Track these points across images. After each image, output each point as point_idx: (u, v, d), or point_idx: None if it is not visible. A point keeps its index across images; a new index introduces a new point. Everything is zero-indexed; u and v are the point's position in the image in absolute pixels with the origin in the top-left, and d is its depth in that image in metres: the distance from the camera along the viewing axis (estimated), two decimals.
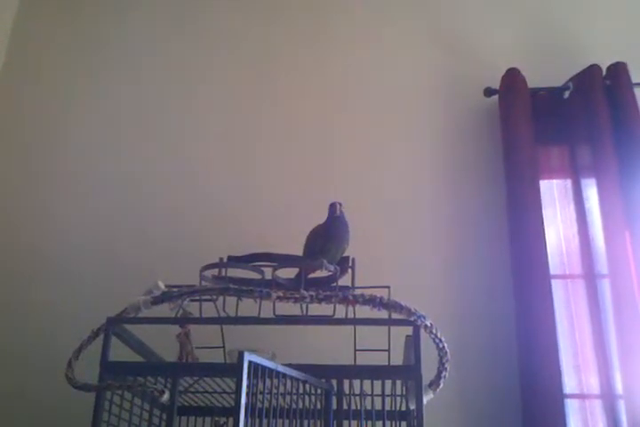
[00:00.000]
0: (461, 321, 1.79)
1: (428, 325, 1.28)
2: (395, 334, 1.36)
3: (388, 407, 1.34)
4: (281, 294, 1.29)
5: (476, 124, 2.07)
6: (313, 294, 1.30)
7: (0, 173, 2.13)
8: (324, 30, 2.25)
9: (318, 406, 1.28)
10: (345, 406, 1.31)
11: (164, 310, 1.37)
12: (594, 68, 1.94)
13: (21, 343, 1.86)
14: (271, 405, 1.15)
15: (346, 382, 1.30)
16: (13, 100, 2.24)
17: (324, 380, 1.27)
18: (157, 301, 1.33)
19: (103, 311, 1.34)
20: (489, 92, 2.03)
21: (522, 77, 1.98)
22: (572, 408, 1.67)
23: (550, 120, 1.97)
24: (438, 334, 1.28)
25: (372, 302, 1.27)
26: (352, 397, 1.39)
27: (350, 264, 1.49)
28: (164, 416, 1.48)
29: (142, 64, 2.25)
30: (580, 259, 1.81)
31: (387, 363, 1.37)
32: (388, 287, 1.38)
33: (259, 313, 1.34)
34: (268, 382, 1.14)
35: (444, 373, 1.28)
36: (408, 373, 1.28)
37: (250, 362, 1.09)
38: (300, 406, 1.22)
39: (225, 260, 1.51)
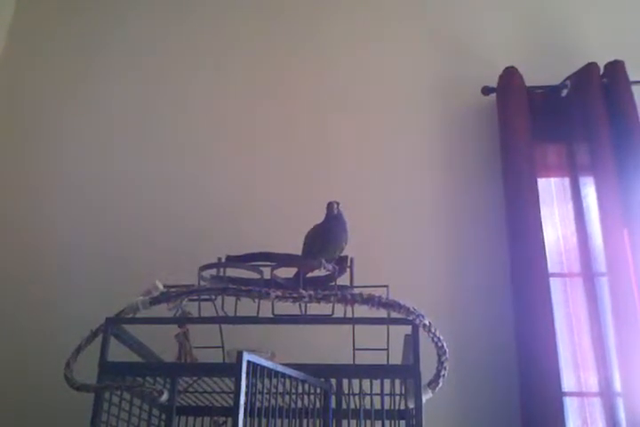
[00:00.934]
0: (460, 320, 1.79)
1: (427, 324, 1.28)
2: (393, 334, 1.36)
3: (387, 407, 1.35)
4: (279, 293, 1.29)
5: (474, 123, 2.07)
6: (312, 293, 1.30)
7: (1, 174, 2.13)
8: (322, 29, 2.25)
9: (317, 405, 1.28)
10: (344, 406, 1.31)
11: (163, 310, 1.37)
12: (591, 67, 1.94)
13: (20, 344, 1.86)
14: (270, 404, 1.15)
15: (345, 382, 1.30)
16: (12, 99, 2.24)
17: (322, 379, 1.27)
18: (156, 301, 1.33)
19: (102, 312, 1.34)
20: (487, 90, 2.03)
21: (519, 76, 1.99)
22: (570, 406, 1.67)
23: (548, 118, 1.97)
24: (437, 333, 1.28)
25: (370, 301, 1.27)
26: (351, 396, 1.39)
27: (349, 264, 1.49)
28: (163, 416, 1.48)
29: (141, 64, 2.25)
30: (579, 257, 1.81)
31: (386, 362, 1.38)
32: (387, 286, 1.38)
33: (257, 313, 1.34)
34: (266, 381, 1.14)
35: (442, 372, 1.28)
36: (407, 372, 1.28)
37: (249, 362, 1.09)
38: (299, 405, 1.23)
39: (223, 259, 1.51)
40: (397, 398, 1.36)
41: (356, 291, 1.33)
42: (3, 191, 2.10)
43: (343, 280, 1.47)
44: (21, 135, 2.19)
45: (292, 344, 1.58)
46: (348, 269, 1.49)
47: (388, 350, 1.38)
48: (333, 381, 1.29)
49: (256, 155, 2.08)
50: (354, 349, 1.41)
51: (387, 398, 1.32)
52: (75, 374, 1.27)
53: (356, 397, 1.37)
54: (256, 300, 1.33)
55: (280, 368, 1.16)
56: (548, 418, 1.58)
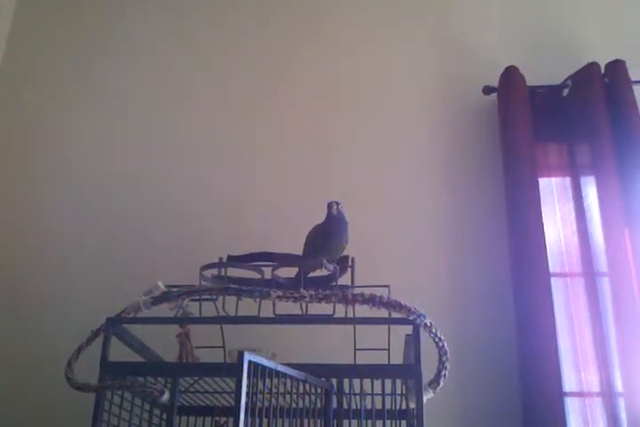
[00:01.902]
0: (461, 320, 1.79)
1: (428, 324, 1.28)
2: (394, 333, 1.36)
3: (387, 406, 1.34)
4: (280, 293, 1.29)
5: (475, 123, 2.07)
6: (313, 293, 1.30)
7: (1, 174, 2.13)
8: (322, 29, 2.25)
9: (318, 405, 1.28)
10: (345, 406, 1.31)
11: (164, 309, 1.37)
12: (592, 66, 1.94)
13: (21, 343, 1.86)
14: (271, 404, 1.15)
15: (346, 382, 1.30)
16: (12, 99, 2.24)
17: (323, 379, 1.27)
18: (157, 301, 1.33)
19: (103, 311, 1.35)
20: (488, 90, 2.02)
21: (520, 75, 1.98)
22: (571, 406, 1.67)
23: (549, 118, 1.97)
24: (438, 333, 1.28)
25: (371, 301, 1.27)
26: (352, 396, 1.39)
27: (350, 263, 1.49)
28: (164, 416, 1.48)
29: (141, 64, 2.25)
30: (580, 257, 1.81)
31: (387, 362, 1.38)
32: (388, 286, 1.38)
33: (258, 313, 1.35)
34: (268, 381, 1.14)
35: (443, 372, 1.28)
36: (408, 372, 1.28)
37: (250, 362, 1.09)
38: (300, 405, 1.22)
39: (224, 259, 1.51)
40: (398, 398, 1.36)
41: (357, 291, 1.33)
42: (2, 191, 2.10)
43: (344, 280, 1.47)
44: (22, 135, 2.19)
45: (293, 344, 1.58)
46: (349, 269, 1.49)
47: (388, 349, 1.39)
48: (334, 381, 1.28)
49: (256, 154, 2.08)
50: (355, 349, 1.42)
51: (388, 398, 1.32)
52: (76, 374, 1.27)
53: (357, 397, 1.37)
54: (257, 300, 1.33)
55: (281, 368, 1.16)
56: (549, 418, 1.57)
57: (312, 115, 2.13)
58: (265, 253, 1.52)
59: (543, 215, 1.81)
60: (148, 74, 2.23)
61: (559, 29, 2.16)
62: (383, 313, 1.30)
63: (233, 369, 1.10)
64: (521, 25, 2.19)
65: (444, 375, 1.28)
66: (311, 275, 1.52)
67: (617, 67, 1.94)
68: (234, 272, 1.47)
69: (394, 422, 1.35)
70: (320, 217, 1.53)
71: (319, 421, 1.26)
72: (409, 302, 1.29)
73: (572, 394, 1.69)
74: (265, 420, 1.14)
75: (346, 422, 1.31)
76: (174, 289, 1.35)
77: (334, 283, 1.46)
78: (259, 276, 1.46)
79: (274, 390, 1.16)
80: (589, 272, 1.77)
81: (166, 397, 1.26)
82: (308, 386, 1.23)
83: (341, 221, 1.51)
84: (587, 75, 1.93)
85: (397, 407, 1.36)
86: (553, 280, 1.75)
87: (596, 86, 1.90)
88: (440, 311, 1.66)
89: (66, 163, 2.12)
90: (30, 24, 2.35)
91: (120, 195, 2.05)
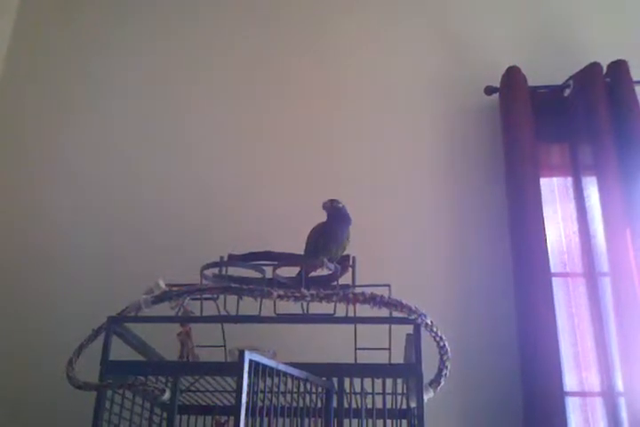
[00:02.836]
0: (462, 319, 1.79)
1: (429, 323, 1.28)
2: (395, 333, 1.36)
3: (388, 406, 1.34)
4: (282, 292, 1.29)
5: (477, 123, 2.07)
6: (314, 292, 1.30)
7: (1, 174, 2.13)
8: (323, 30, 2.25)
9: (319, 404, 1.28)
10: (346, 405, 1.31)
11: (165, 308, 1.37)
12: (594, 66, 1.94)
13: (22, 342, 1.87)
14: (272, 403, 1.15)
15: (347, 381, 1.30)
16: (14, 99, 2.24)
17: (324, 378, 1.27)
18: (158, 300, 1.33)
19: (104, 310, 1.35)
20: (489, 90, 2.02)
21: (522, 75, 1.98)
22: (572, 406, 1.67)
23: (551, 118, 1.97)
24: (439, 333, 1.28)
25: (372, 300, 1.27)
26: (353, 395, 1.39)
27: (351, 263, 1.49)
28: (165, 415, 1.48)
29: (142, 64, 2.25)
30: (581, 257, 1.81)
31: (387, 361, 1.38)
32: (389, 286, 1.38)
33: (259, 312, 1.35)
34: (268, 380, 1.14)
35: (444, 371, 1.28)
36: (409, 371, 1.28)
37: (251, 361, 1.09)
38: (301, 404, 1.23)
39: (225, 258, 1.51)
40: (399, 397, 1.36)
41: (358, 290, 1.33)
42: (3, 190, 2.10)
43: (345, 279, 1.47)
44: (22, 135, 2.19)
45: (294, 343, 1.58)
46: (350, 269, 1.49)
47: (389, 349, 1.39)
48: (335, 380, 1.28)
49: (257, 154, 2.08)
50: (356, 348, 1.42)
51: (388, 398, 1.32)
52: (77, 373, 1.27)
53: (358, 396, 1.37)
54: (258, 299, 1.33)
55: (282, 367, 1.17)
56: (550, 418, 1.57)
57: (313, 115, 2.13)
58: (266, 253, 1.52)
59: (544, 215, 1.81)
60: (148, 74, 2.24)
61: (561, 29, 2.16)
62: (384, 312, 1.30)
63: (234, 368, 1.10)
64: (523, 25, 2.19)
65: (445, 375, 1.28)
66: (312, 274, 1.52)
67: (619, 67, 1.94)
68: (235, 271, 1.47)
69: (395, 421, 1.35)
70: (321, 216, 1.53)
71: (320, 420, 1.26)
72: (410, 301, 1.29)
73: (573, 394, 1.69)
74: (266, 419, 1.14)
75: (346, 421, 1.31)
76: (175, 288, 1.35)
77: (335, 282, 1.46)
78: (260, 275, 1.46)
79: (274, 389, 1.16)
80: (591, 272, 1.77)
81: (167, 396, 1.26)
82: (308, 385, 1.24)
83: (342, 219, 1.51)
84: (588, 75, 1.93)
85: (398, 407, 1.36)
86: (554, 280, 1.75)
87: (598, 86, 1.90)
88: (441, 311, 1.66)
89: (66, 163, 2.12)
90: (32, 24, 2.35)
91: (121, 194, 2.05)
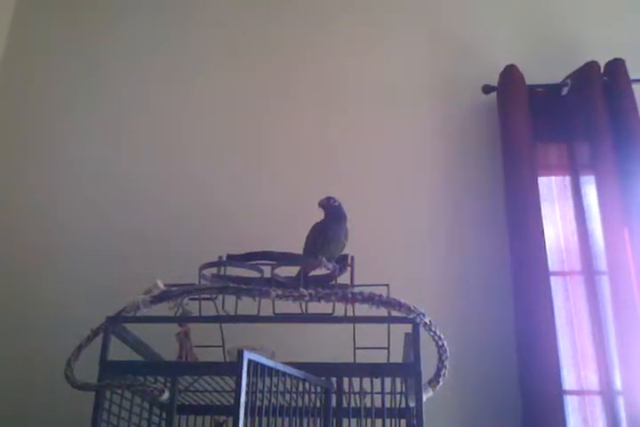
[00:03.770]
0: (461, 318, 1.79)
1: (428, 322, 1.28)
2: (394, 332, 1.36)
3: (387, 405, 1.34)
4: (280, 292, 1.29)
5: (475, 122, 2.07)
6: (312, 292, 1.30)
7: (1, 174, 2.13)
8: (323, 30, 2.24)
9: (318, 404, 1.28)
10: (344, 404, 1.31)
11: (164, 309, 1.37)
12: (592, 65, 1.94)
13: (20, 343, 1.86)
14: (271, 403, 1.15)
15: (345, 380, 1.30)
16: (13, 99, 2.24)
17: (323, 378, 1.27)
18: (157, 300, 1.33)
19: (102, 310, 1.34)
20: (487, 89, 2.02)
21: (520, 74, 1.98)
22: (571, 405, 1.67)
23: (548, 117, 1.96)
24: (437, 332, 1.28)
25: (371, 299, 1.27)
26: (352, 395, 1.39)
27: (349, 262, 1.49)
28: (164, 415, 1.48)
29: (142, 64, 2.25)
30: (579, 256, 1.81)
31: (386, 361, 1.38)
32: (387, 285, 1.38)
33: (258, 311, 1.35)
34: (267, 380, 1.14)
35: (443, 370, 1.28)
36: (407, 370, 1.28)
37: (249, 360, 1.09)
38: (300, 404, 1.23)
39: (224, 258, 1.51)
40: (398, 396, 1.36)
41: (357, 290, 1.33)
42: (3, 191, 2.10)
43: (344, 279, 1.47)
44: (22, 135, 2.18)
45: (293, 343, 1.58)
46: (349, 268, 1.49)
47: (388, 348, 1.39)
48: (334, 379, 1.28)
49: (257, 154, 2.08)
50: (354, 347, 1.42)
51: (387, 397, 1.32)
52: (75, 373, 1.27)
53: (357, 395, 1.37)
54: (256, 299, 1.33)
55: (281, 367, 1.17)
56: (549, 417, 1.58)
57: (312, 115, 2.12)
58: (264, 253, 1.52)
59: (543, 214, 1.81)
60: (148, 75, 2.23)
61: (559, 28, 2.16)
62: (383, 312, 1.30)
63: (232, 368, 1.10)
64: (520, 24, 2.19)
65: (444, 374, 1.28)
66: (311, 274, 1.52)
67: (616, 66, 1.94)
68: (233, 271, 1.47)
69: (393, 420, 1.35)
70: (320, 216, 1.53)
71: (319, 420, 1.26)
72: (408, 300, 1.29)
73: (572, 392, 1.69)
74: (264, 419, 1.14)
75: (345, 420, 1.31)
76: (174, 288, 1.35)
77: (334, 282, 1.46)
78: (258, 275, 1.46)
79: (273, 388, 1.16)
80: (589, 271, 1.77)
81: (166, 396, 1.26)
82: (307, 385, 1.24)
83: (339, 216, 1.51)
84: (586, 74, 1.93)
85: (397, 406, 1.36)
86: (552, 279, 1.75)
87: (596, 85, 1.90)
88: (439, 310, 1.66)
89: (66, 163, 2.12)
90: (32, 23, 2.35)
91: (120, 194, 2.05)
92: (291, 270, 1.51)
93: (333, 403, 1.28)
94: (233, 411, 1.05)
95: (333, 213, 1.51)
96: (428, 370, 1.27)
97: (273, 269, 1.44)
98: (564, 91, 1.98)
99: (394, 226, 1.94)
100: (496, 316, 1.78)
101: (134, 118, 2.17)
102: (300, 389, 1.22)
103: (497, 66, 2.01)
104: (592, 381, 1.69)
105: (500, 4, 2.22)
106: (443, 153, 2.04)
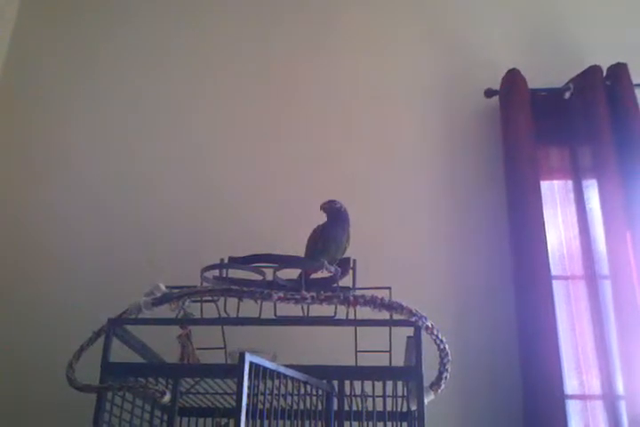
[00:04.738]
0: (463, 322, 1.79)
1: (429, 326, 1.28)
2: (396, 335, 1.36)
3: (389, 408, 1.34)
4: (282, 294, 1.29)
5: (477, 125, 2.07)
6: (314, 294, 1.30)
7: (2, 173, 2.13)
8: (324, 31, 2.25)
9: (319, 407, 1.28)
10: (346, 408, 1.31)
11: (165, 311, 1.37)
12: (594, 69, 1.94)
13: (22, 344, 1.86)
14: (272, 406, 1.15)
15: (347, 383, 1.29)
16: (14, 99, 2.24)
17: (325, 381, 1.27)
18: (158, 302, 1.33)
19: (104, 312, 1.34)
20: (489, 92, 2.02)
21: (522, 78, 1.98)
22: (573, 409, 1.67)
23: (551, 121, 1.97)
24: (439, 335, 1.28)
25: (373, 302, 1.27)
26: (353, 398, 1.39)
27: (351, 265, 1.49)
28: (165, 417, 1.48)
29: (144, 65, 2.25)
30: (581, 260, 1.80)
31: (388, 364, 1.38)
32: (389, 288, 1.38)
33: (260, 314, 1.35)
34: (269, 382, 1.14)
35: (445, 374, 1.28)
36: (409, 374, 1.28)
37: (251, 363, 1.09)
38: (301, 407, 1.22)
39: (226, 261, 1.51)
40: (399, 400, 1.36)
41: (359, 293, 1.33)
42: (6, 190, 2.10)
43: (345, 282, 1.47)
44: (24, 135, 2.19)
45: (295, 346, 1.58)
46: (351, 271, 1.49)
47: (390, 351, 1.39)
48: (335, 382, 1.28)
49: (259, 155, 2.08)
50: (356, 350, 1.42)
51: (389, 400, 1.32)
52: (77, 375, 1.27)
53: (358, 398, 1.37)
54: (258, 301, 1.33)
55: (282, 370, 1.16)
56: (551, 421, 1.57)
57: (314, 116, 2.13)
58: (266, 255, 1.52)
59: (545, 218, 1.80)
60: (150, 74, 2.23)
61: (561, 32, 2.16)
62: (384, 315, 1.30)
63: (234, 370, 1.10)
64: (523, 28, 2.19)
65: (446, 378, 1.28)
66: (312, 276, 1.52)
67: (619, 70, 1.94)
68: (235, 273, 1.47)
69: (395, 424, 1.34)
70: (322, 218, 1.53)
71: (320, 423, 1.26)
72: (410, 303, 1.29)
73: (574, 397, 1.69)
74: (266, 421, 1.13)
75: (347, 423, 1.31)
76: (175, 290, 1.35)
77: (336, 285, 1.46)
78: (260, 277, 1.46)
79: (275, 391, 1.15)
80: (591, 275, 1.76)
81: (167, 398, 1.26)
82: (309, 388, 1.23)
83: (342, 219, 1.51)
84: (589, 78, 1.93)
85: (399, 409, 1.36)
86: (554, 283, 1.74)
87: (598, 89, 1.90)
88: (441, 313, 1.66)
89: (68, 163, 2.12)
90: (33, 23, 2.35)
91: (122, 195, 2.05)
92: (293, 273, 1.51)
93: (335, 406, 1.28)
94: (234, 413, 1.05)
95: (334, 216, 1.52)
96: (429, 373, 1.27)
97: (275, 271, 1.44)
98: (567, 95, 1.98)
99: (396, 229, 1.94)
100: (498, 320, 1.78)
101: (135, 118, 2.17)
102: (302, 392, 1.22)
103: (499, 70, 2.01)
104: (594, 385, 1.69)
105: (503, 7, 2.23)
106: (445, 157, 2.04)
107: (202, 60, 2.24)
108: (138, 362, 1.42)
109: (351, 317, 1.33)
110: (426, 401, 1.25)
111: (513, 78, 1.98)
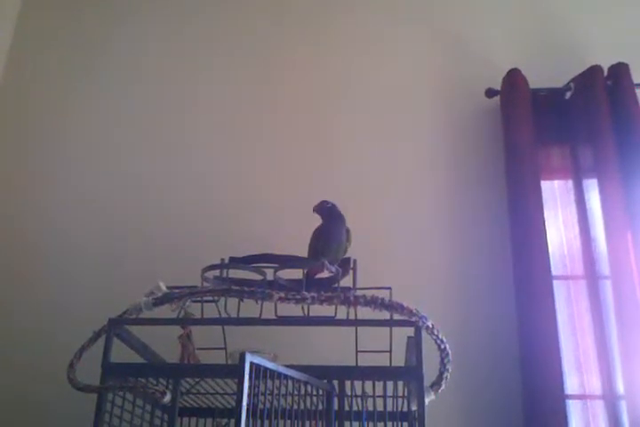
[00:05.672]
0: (463, 322, 1.79)
1: (430, 326, 1.28)
2: (396, 335, 1.36)
3: (389, 409, 1.34)
4: (282, 295, 1.29)
5: (478, 125, 2.07)
6: (314, 295, 1.30)
7: (1, 174, 2.13)
8: (324, 30, 2.25)
9: (320, 407, 1.28)
10: (347, 408, 1.31)
11: (166, 311, 1.36)
12: (595, 69, 1.94)
13: (23, 345, 1.86)
14: (272, 406, 1.15)
15: (347, 384, 1.30)
16: (15, 99, 2.24)
17: (325, 381, 1.27)
18: (159, 302, 1.33)
19: (105, 312, 1.34)
20: (490, 92, 2.02)
21: (523, 78, 1.98)
22: (573, 409, 1.67)
23: (552, 121, 1.97)
24: (440, 335, 1.28)
25: (373, 303, 1.27)
26: (354, 398, 1.39)
27: (352, 265, 1.49)
28: (166, 417, 1.48)
29: (143, 64, 2.25)
30: (582, 260, 1.81)
31: (388, 364, 1.38)
32: (390, 288, 1.38)
33: (260, 314, 1.35)
34: (269, 383, 1.14)
35: (445, 374, 1.28)
36: (410, 374, 1.28)
37: (251, 363, 1.09)
38: (302, 407, 1.22)
39: (226, 261, 1.51)
40: (400, 400, 1.36)
41: (359, 293, 1.33)
42: (4, 190, 2.10)
43: (346, 282, 1.47)
44: (23, 135, 2.19)
45: (295, 346, 1.58)
46: (351, 271, 1.49)
47: (390, 351, 1.38)
48: (336, 382, 1.28)
49: (258, 155, 2.08)
50: (356, 350, 1.42)
51: (389, 400, 1.32)
52: (77, 375, 1.27)
53: (359, 399, 1.37)
54: (259, 301, 1.33)
55: (283, 370, 1.16)
56: (551, 421, 1.57)
57: (314, 115, 2.13)
58: (267, 255, 1.52)
59: (545, 218, 1.80)
60: (149, 74, 2.24)
61: (562, 32, 2.16)
62: (385, 315, 1.30)
63: (234, 371, 1.10)
64: (524, 28, 2.19)
65: (446, 378, 1.28)
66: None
67: (620, 70, 1.94)
68: (236, 274, 1.47)
69: (395, 424, 1.34)
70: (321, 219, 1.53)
71: (320, 423, 1.26)
72: (411, 304, 1.29)
73: (574, 397, 1.69)
74: (266, 422, 1.13)
75: (347, 424, 1.31)
76: (176, 290, 1.35)
77: (336, 285, 1.46)
78: (261, 277, 1.46)
79: (275, 391, 1.15)
80: (591, 275, 1.76)
81: (168, 398, 1.26)
82: (309, 388, 1.23)
83: (336, 218, 1.51)
84: (589, 78, 1.93)
85: (399, 409, 1.36)
86: (555, 283, 1.74)
87: (599, 89, 1.90)
88: (442, 313, 1.65)
89: (68, 163, 2.12)
90: (34, 23, 2.35)
91: (122, 195, 2.05)
92: (293, 273, 1.51)
93: (335, 406, 1.28)
94: (235, 414, 1.05)
95: (330, 215, 1.52)
96: (430, 373, 1.27)
97: (275, 271, 1.44)
98: (568, 95, 1.99)
99: (396, 229, 1.94)
100: (499, 320, 1.78)
101: (135, 119, 2.17)
102: (302, 392, 1.22)
103: (500, 69, 2.01)
104: (594, 385, 1.69)
105: (504, 7, 2.23)
106: (445, 156, 2.04)
107: (202, 61, 2.24)
108: (138, 362, 1.42)
109: (352, 317, 1.33)
110: (426, 401, 1.24)
111: (514, 78, 1.98)
